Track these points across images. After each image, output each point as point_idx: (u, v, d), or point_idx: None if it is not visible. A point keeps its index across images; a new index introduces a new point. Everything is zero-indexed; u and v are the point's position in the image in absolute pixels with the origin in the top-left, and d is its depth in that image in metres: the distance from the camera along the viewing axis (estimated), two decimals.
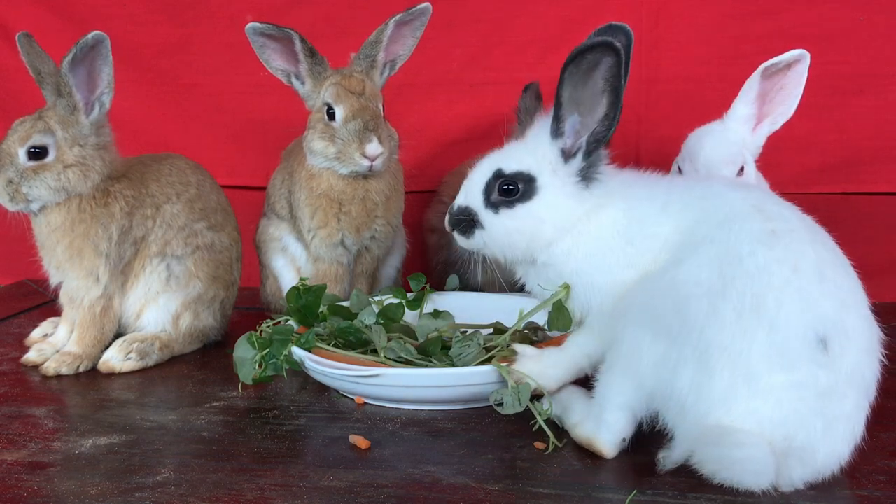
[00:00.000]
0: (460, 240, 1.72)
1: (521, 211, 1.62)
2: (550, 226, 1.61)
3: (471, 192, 1.69)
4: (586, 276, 1.60)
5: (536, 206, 1.61)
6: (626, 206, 1.59)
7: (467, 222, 1.68)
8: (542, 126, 1.64)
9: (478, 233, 1.67)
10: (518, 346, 1.71)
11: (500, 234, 1.65)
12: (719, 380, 1.31)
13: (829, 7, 2.65)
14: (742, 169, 1.96)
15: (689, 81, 2.74)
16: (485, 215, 1.66)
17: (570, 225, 1.61)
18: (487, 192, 1.65)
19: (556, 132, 1.60)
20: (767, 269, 1.34)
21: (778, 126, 2.00)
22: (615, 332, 1.47)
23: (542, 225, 1.61)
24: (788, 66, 1.94)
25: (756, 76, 1.95)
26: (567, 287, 1.62)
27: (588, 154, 1.59)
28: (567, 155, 1.61)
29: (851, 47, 2.65)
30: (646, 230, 1.55)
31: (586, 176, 1.61)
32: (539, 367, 1.64)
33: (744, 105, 1.98)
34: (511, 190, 1.62)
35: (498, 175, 1.64)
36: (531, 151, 1.64)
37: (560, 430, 1.58)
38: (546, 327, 1.76)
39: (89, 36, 1.88)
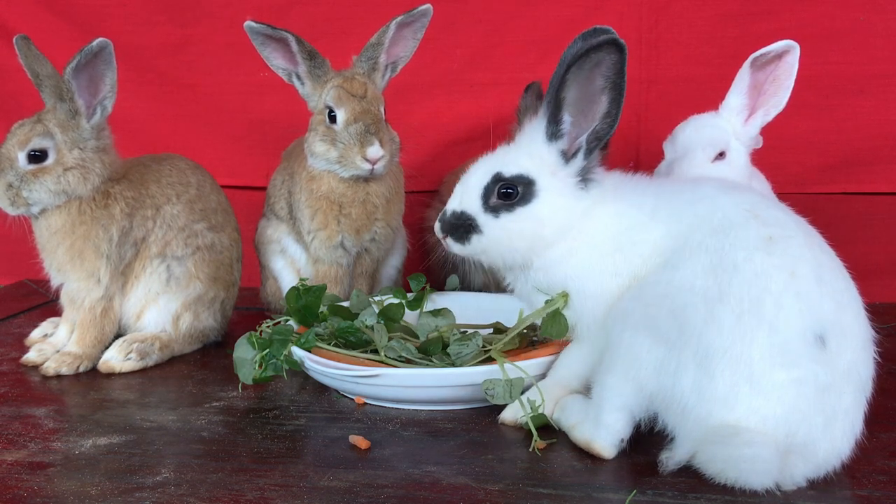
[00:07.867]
0: (454, 246, 1.68)
1: (522, 214, 1.61)
2: (550, 228, 1.61)
3: (467, 197, 1.66)
4: (578, 281, 1.60)
5: (537, 208, 1.60)
6: (615, 211, 1.59)
7: (464, 228, 1.65)
8: (536, 128, 1.63)
9: (475, 238, 1.65)
10: None
11: (500, 238, 1.63)
12: (721, 381, 1.32)
13: (829, 7, 2.65)
14: (722, 154, 1.99)
15: (689, 81, 2.74)
16: (484, 220, 1.63)
17: (568, 226, 1.60)
18: (486, 196, 1.63)
19: (555, 134, 1.59)
20: (765, 274, 1.35)
21: (770, 118, 2.02)
22: (611, 337, 1.47)
23: (543, 227, 1.61)
24: (779, 56, 1.95)
25: (746, 66, 1.97)
26: (565, 295, 1.62)
27: (589, 153, 1.59)
28: (567, 156, 1.60)
29: (851, 47, 2.65)
30: (635, 237, 1.55)
31: (585, 176, 1.61)
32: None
33: (736, 96, 2.01)
34: (511, 193, 1.61)
35: (497, 179, 1.62)
36: (528, 154, 1.62)
37: (552, 429, 1.58)
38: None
39: (94, 43, 1.87)
